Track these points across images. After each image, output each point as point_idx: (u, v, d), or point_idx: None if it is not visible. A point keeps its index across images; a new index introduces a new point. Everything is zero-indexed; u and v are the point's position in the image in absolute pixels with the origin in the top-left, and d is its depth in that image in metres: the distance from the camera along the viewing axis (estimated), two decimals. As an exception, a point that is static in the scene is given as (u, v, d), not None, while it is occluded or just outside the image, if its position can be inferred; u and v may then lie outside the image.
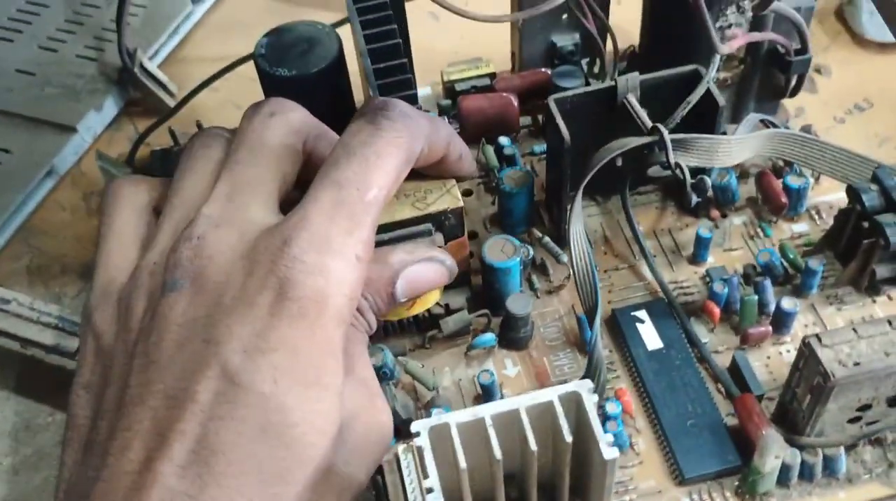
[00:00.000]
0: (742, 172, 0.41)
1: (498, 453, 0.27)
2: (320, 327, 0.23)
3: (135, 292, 0.25)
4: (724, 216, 0.40)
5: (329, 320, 0.24)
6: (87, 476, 0.22)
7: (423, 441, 0.26)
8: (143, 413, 0.22)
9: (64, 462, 0.24)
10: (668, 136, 0.34)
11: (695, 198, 0.34)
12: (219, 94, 0.48)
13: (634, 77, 0.36)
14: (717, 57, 0.35)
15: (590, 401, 0.27)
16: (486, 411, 0.27)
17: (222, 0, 0.55)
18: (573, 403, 0.28)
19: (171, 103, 0.47)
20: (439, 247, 0.32)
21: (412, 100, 0.37)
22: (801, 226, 0.40)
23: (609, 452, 0.26)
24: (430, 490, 0.26)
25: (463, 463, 0.26)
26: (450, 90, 0.44)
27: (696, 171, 0.37)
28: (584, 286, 0.33)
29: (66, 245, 0.43)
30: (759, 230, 0.40)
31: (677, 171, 0.34)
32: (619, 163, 0.37)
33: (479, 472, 0.29)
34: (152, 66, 0.48)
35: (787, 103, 0.46)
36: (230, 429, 0.22)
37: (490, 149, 0.42)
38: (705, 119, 0.36)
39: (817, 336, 0.30)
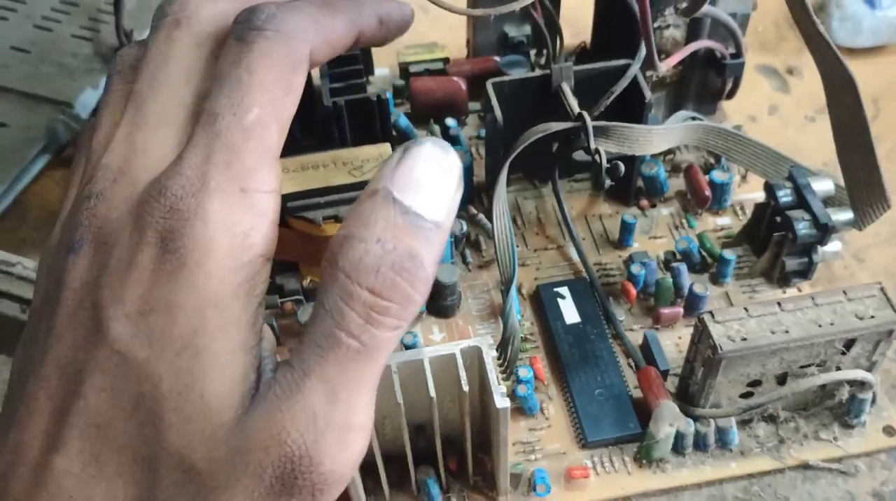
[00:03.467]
0: (674, 167, 0.44)
1: (399, 397, 0.29)
2: (203, 275, 0.21)
3: (54, 254, 0.23)
4: (652, 206, 0.43)
5: (214, 266, 0.21)
6: None
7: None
8: (37, 385, 0.21)
9: None
10: (590, 123, 0.36)
11: (608, 182, 0.37)
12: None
13: (569, 67, 0.39)
14: (643, 50, 0.37)
15: (488, 356, 0.30)
16: (393, 359, 0.29)
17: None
18: (474, 357, 0.30)
19: None
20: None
21: (359, 74, 0.39)
22: (724, 220, 0.42)
23: (501, 401, 0.29)
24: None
25: (366, 405, 0.28)
26: (404, 71, 0.46)
27: (624, 161, 0.39)
28: (503, 256, 0.35)
29: None
30: (684, 221, 0.42)
31: (596, 156, 0.36)
32: (555, 147, 0.39)
33: (388, 421, 0.31)
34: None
35: (762, 100, 0.49)
36: (109, 402, 0.20)
37: (437, 129, 0.44)
38: (634, 111, 0.39)
39: (711, 312, 0.32)
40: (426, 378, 0.29)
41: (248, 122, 0.22)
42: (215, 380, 0.20)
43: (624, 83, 0.37)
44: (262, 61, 0.22)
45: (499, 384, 0.29)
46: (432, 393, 0.29)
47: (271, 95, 0.22)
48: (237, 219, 0.21)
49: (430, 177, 0.22)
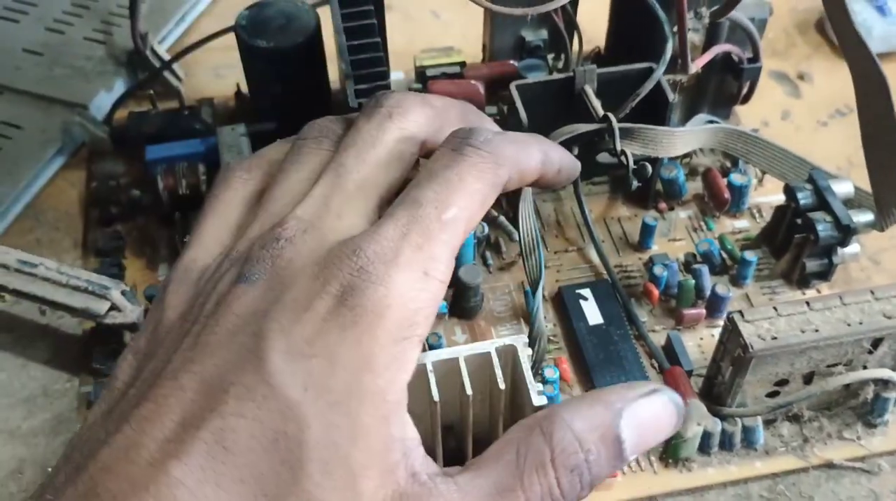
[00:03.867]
0: (691, 170, 0.44)
1: (436, 395, 0.29)
2: (370, 338, 0.22)
3: (214, 277, 0.25)
4: (671, 209, 0.43)
5: (383, 333, 0.22)
6: (98, 438, 0.22)
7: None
8: (172, 391, 0.21)
9: (85, 420, 0.24)
10: (616, 124, 0.36)
11: (635, 183, 0.37)
12: (202, 60, 0.50)
13: (592, 69, 0.39)
14: (668, 52, 0.37)
15: (524, 354, 0.30)
16: (428, 358, 0.29)
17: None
18: (509, 355, 0.30)
19: (179, 86, 0.48)
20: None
21: (383, 76, 0.39)
22: (742, 223, 0.43)
23: (538, 399, 0.28)
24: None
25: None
26: (421, 75, 0.46)
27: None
28: (529, 258, 0.35)
29: (74, 220, 0.44)
30: (702, 223, 0.42)
31: (622, 157, 0.36)
32: (576, 151, 0.39)
33: (420, 420, 0.31)
34: (162, 51, 0.49)
35: (775, 106, 0.49)
36: (246, 430, 0.21)
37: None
38: (657, 113, 0.39)
39: (740, 312, 0.32)
40: (462, 376, 0.29)
41: (447, 218, 0.24)
42: (361, 446, 0.21)
43: (650, 85, 0.37)
44: (472, 173, 0.25)
45: (535, 381, 0.29)
46: (469, 390, 0.29)
47: (470, 203, 0.25)
48: (413, 297, 0.23)
49: (655, 434, 0.25)
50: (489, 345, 0.30)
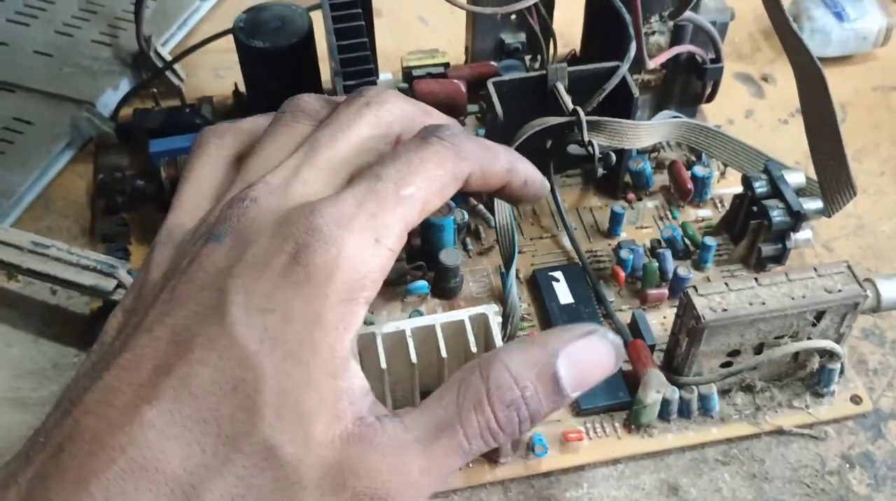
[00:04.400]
0: (658, 163, 0.47)
1: (414, 358, 0.32)
2: (321, 297, 0.24)
3: (192, 238, 0.26)
4: (639, 199, 0.46)
5: (332, 292, 0.24)
6: (83, 386, 0.24)
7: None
8: (148, 341, 0.23)
9: (77, 371, 0.25)
10: (583, 117, 0.39)
11: (601, 170, 0.40)
12: (202, 62, 0.54)
13: (563, 68, 0.42)
14: (632, 51, 0.40)
15: (494, 322, 0.33)
16: (407, 324, 0.32)
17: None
18: (481, 323, 0.33)
19: (181, 85, 0.51)
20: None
21: (369, 73, 0.42)
22: (705, 212, 0.46)
23: (507, 361, 0.32)
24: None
25: (384, 364, 0.32)
26: (407, 75, 0.50)
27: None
28: (503, 238, 0.38)
29: (82, 209, 0.47)
30: (668, 213, 0.46)
31: (589, 148, 0.39)
32: (549, 144, 0.42)
33: (399, 386, 0.34)
34: (165, 53, 0.52)
35: (739, 105, 0.52)
36: (208, 377, 0.23)
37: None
38: (623, 108, 0.42)
39: (695, 287, 0.35)
40: (438, 341, 0.32)
41: (404, 194, 0.26)
42: (311, 394, 0.23)
43: (615, 80, 0.40)
44: (434, 159, 0.27)
45: (504, 344, 0.32)
46: (444, 353, 0.32)
47: (429, 185, 0.26)
48: (363, 261, 0.24)
49: (593, 371, 0.27)
50: (463, 313, 0.33)
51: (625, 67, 0.40)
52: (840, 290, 0.35)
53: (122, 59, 0.53)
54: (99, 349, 0.25)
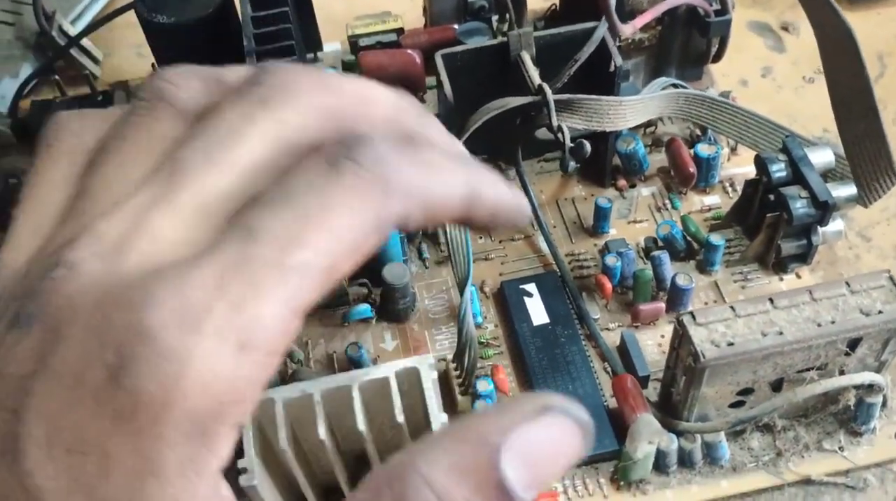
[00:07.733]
0: (655, 141, 0.39)
1: (322, 433, 0.25)
2: (153, 436, 0.16)
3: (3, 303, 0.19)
4: (632, 186, 0.38)
5: (170, 428, 0.16)
6: None
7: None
8: None
9: None
10: (551, 96, 0.31)
11: (572, 164, 0.32)
12: (122, 39, 0.46)
13: (529, 33, 0.34)
14: (612, 3, 0.32)
15: (428, 378, 0.25)
16: (315, 387, 0.25)
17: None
18: (412, 381, 0.26)
19: (92, 69, 0.44)
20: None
21: (289, 51, 0.34)
22: (712, 199, 0.38)
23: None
24: (243, 471, 0.24)
25: (284, 444, 0.24)
26: (354, 45, 0.42)
27: (596, 138, 0.34)
28: (456, 253, 0.31)
29: None
30: (667, 202, 0.38)
31: (558, 135, 0.31)
32: (519, 121, 0.35)
33: (322, 454, 0.27)
34: (73, 30, 0.45)
35: (754, 62, 0.44)
36: None
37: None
38: (604, 81, 0.34)
39: (692, 313, 0.28)
40: (354, 409, 0.25)
41: (291, 263, 0.17)
42: None
43: (590, 48, 0.32)
44: (346, 202, 0.17)
45: (439, 412, 0.25)
46: (361, 426, 0.25)
47: (334, 246, 0.17)
48: (220, 377, 0.16)
49: (552, 463, 0.18)
50: (388, 369, 0.26)
51: (602, 29, 0.32)
52: (880, 311, 0.28)
53: (25, 40, 0.45)
54: None
